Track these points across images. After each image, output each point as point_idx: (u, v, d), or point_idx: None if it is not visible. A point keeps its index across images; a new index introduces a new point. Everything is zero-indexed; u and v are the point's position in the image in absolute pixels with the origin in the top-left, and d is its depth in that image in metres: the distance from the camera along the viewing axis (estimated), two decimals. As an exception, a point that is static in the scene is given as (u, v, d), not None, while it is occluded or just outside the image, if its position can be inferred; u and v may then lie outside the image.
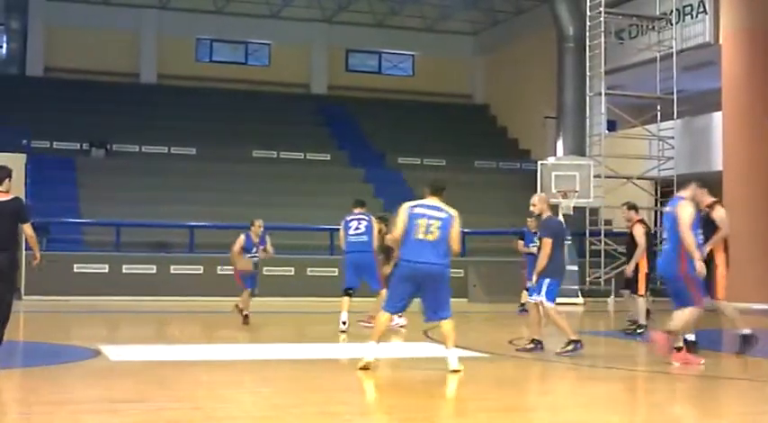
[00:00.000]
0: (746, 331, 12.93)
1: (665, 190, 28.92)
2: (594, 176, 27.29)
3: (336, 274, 26.09)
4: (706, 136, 28.71)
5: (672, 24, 29.37)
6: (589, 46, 29.30)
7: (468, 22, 42.07)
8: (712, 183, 26.83)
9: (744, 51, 26.50)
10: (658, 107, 29.42)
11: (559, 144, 32.02)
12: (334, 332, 15.79)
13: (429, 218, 10.71)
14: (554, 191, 26.36)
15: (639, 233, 16.11)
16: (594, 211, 28.77)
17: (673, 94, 28.72)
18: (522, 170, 34.85)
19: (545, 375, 12.06)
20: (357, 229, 16.13)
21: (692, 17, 29.42)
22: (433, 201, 10.93)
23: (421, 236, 10.63)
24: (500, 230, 27.13)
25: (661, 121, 29.35)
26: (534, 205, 13.13)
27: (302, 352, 13.56)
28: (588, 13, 29.24)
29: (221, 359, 12.63)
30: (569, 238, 26.57)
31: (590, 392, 10.35)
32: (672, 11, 29.29)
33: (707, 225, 12.65)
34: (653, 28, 30.17)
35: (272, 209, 28.64)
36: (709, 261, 12.31)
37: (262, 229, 17.87)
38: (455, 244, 10.78)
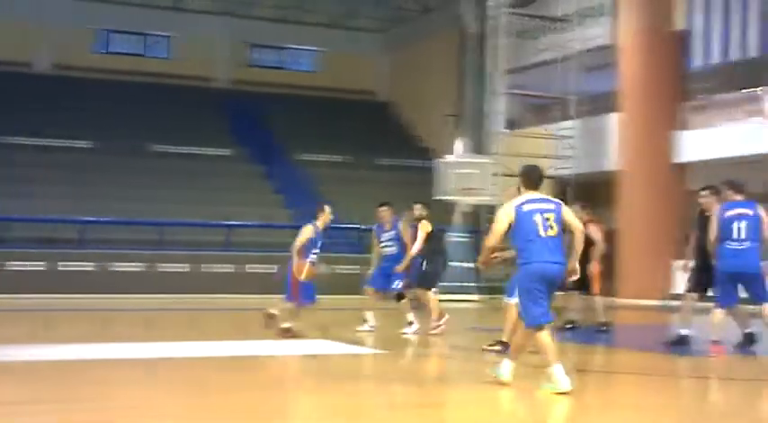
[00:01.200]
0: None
1: (562, 188, 29.16)
2: (493, 175, 27.39)
3: (233, 270, 25.98)
4: (604, 136, 29.04)
5: (572, 25, 29.65)
6: (491, 45, 29.43)
7: (374, 19, 42.04)
8: (609, 182, 27.37)
9: (641, 53, 26.85)
10: (558, 107, 29.67)
11: (459, 142, 32.11)
12: (234, 329, 15.56)
13: (543, 212, 9.59)
14: (453, 188, 26.43)
15: (596, 232, 16.06)
16: (493, 209, 28.82)
17: (572, 94, 28.99)
18: (425, 168, 34.83)
19: (444, 371, 12.00)
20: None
21: (592, 19, 29.75)
22: (536, 194, 9.78)
23: (542, 233, 9.47)
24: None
25: (560, 120, 29.62)
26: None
27: (204, 350, 13.20)
28: (491, 12, 29.38)
29: (115, 358, 12.18)
30: (469, 235, 26.78)
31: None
32: (573, 12, 29.57)
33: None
34: (554, 29, 30.43)
35: (170, 204, 28.34)
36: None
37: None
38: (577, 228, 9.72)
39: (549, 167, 29.43)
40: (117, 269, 24.71)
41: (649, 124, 26.57)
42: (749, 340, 13.31)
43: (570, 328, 15.91)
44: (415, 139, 39.84)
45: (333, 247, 24.62)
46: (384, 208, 15.76)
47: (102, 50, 39.70)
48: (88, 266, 25.14)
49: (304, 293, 14.06)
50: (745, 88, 25.48)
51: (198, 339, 14.54)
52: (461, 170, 26.92)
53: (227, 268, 25.46)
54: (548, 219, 9.46)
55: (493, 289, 27.41)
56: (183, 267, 25.65)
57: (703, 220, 13.10)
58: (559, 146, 29.51)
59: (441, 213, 27.85)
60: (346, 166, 35.69)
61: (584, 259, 14.96)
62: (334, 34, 42.22)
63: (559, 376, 9.10)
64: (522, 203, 9.59)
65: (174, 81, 38.74)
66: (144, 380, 10.32)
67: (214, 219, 27.50)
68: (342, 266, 26.16)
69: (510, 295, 12.16)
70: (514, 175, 29.39)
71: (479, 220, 28.42)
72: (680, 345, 13.26)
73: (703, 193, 13.41)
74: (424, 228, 15.54)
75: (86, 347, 12.96)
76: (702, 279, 13.20)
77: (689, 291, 13.52)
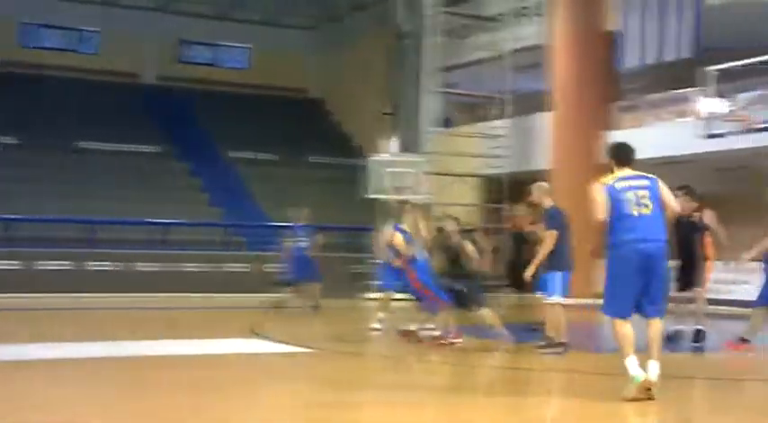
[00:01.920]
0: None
1: (494, 187, 29.30)
2: (427, 173, 27.37)
3: (164, 269, 25.64)
4: (536, 135, 29.13)
5: (505, 25, 29.75)
6: (425, 44, 29.42)
7: (306, 16, 41.85)
8: (541, 181, 27.44)
9: (573, 53, 26.97)
10: (491, 106, 29.75)
11: (393, 141, 32.02)
12: (165, 328, 15.36)
13: (637, 189, 9.13)
14: (386, 187, 26.36)
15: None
16: (426, 208, 28.86)
17: (505, 93, 29.09)
18: (356, 166, 34.70)
19: (369, 370, 11.90)
20: None
21: (525, 19, 29.86)
22: (629, 171, 9.34)
23: (635, 211, 9.00)
24: (334, 226, 26.95)
25: (493, 119, 29.69)
26: (531, 195, 12.79)
27: (132, 350, 12.96)
28: (425, 11, 29.36)
29: (38, 358, 11.91)
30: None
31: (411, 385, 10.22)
32: (506, 12, 29.67)
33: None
34: (488, 28, 30.50)
35: (98, 202, 27.93)
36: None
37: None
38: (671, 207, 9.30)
39: (482, 166, 29.56)
40: (44, 267, 24.19)
41: (581, 124, 26.70)
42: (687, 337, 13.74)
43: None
44: (347, 137, 39.72)
45: (264, 246, 24.48)
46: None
47: (30, 45, 38.90)
48: (15, 265, 24.61)
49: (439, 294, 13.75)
50: (675, 89, 25.73)
51: (128, 339, 14.29)
52: (395, 169, 26.82)
53: (159, 267, 25.11)
54: (642, 196, 9.02)
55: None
56: (114, 266, 25.24)
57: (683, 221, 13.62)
58: (492, 145, 29.56)
59: (373, 212, 27.83)
60: (277, 164, 35.47)
61: (520, 260, 15.10)
62: (266, 31, 41.92)
63: (632, 369, 8.80)
64: (616, 181, 9.19)
65: (102, 77, 38.04)
66: (74, 380, 10.10)
67: (141, 216, 27.12)
68: (274, 265, 26.04)
69: (550, 293, 12.38)
70: (448, 174, 29.61)
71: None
72: (674, 341, 13.64)
73: (678, 192, 13.70)
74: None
75: (15, 349, 12.69)
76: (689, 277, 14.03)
77: (680, 289, 14.10)
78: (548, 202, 12.57)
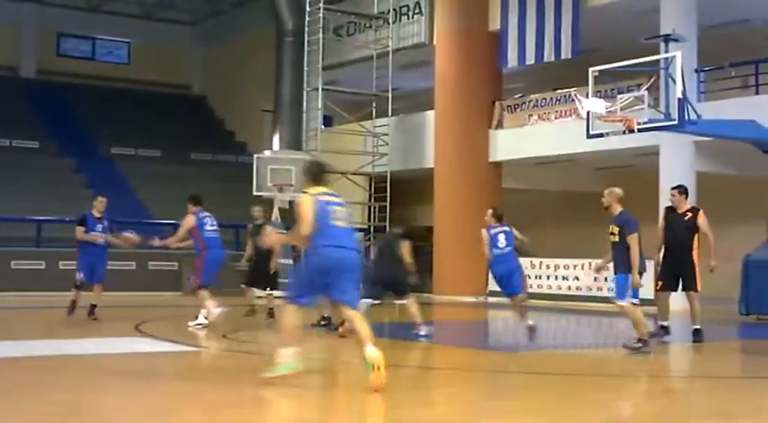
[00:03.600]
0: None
1: (378, 185, 29.43)
2: (310, 171, 27.30)
3: (44, 266, 25.05)
4: (419, 133, 29.38)
5: (389, 23, 29.92)
6: (308, 41, 29.41)
7: (187, 11, 41.43)
8: (424, 180, 27.73)
9: (456, 52, 27.30)
10: (374, 104, 29.86)
11: (276, 138, 31.95)
12: (45, 328, 15.01)
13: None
14: (269, 185, 26.27)
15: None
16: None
17: (388, 91, 29.24)
18: (238, 163, 34.55)
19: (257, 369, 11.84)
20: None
21: (408, 17, 30.09)
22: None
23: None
24: (220, 223, 26.60)
25: (376, 117, 29.82)
26: (603, 198, 12.87)
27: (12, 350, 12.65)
28: (308, 8, 29.35)
29: None
30: (287, 231, 26.62)
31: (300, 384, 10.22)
32: (389, 10, 29.83)
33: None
34: (371, 26, 30.66)
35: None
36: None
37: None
38: None
39: (367, 164, 29.68)
40: None
41: (464, 123, 27.03)
42: None
43: (325, 325, 15.83)
44: (230, 134, 39.47)
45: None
46: None
47: None
48: None
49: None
50: (558, 89, 26.21)
51: (6, 338, 13.95)
52: (278, 166, 26.73)
53: (38, 265, 24.51)
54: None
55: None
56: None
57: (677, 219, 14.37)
58: (376, 143, 29.70)
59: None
60: (159, 160, 35.04)
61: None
62: (147, 26, 41.46)
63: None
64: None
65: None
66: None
67: (22, 213, 26.49)
68: (158, 263, 25.78)
69: (621, 297, 12.48)
70: (332, 172, 29.68)
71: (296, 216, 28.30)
72: (656, 337, 13.92)
73: (673, 191, 14.64)
74: None
75: None
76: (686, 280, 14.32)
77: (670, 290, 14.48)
78: (618, 208, 12.74)
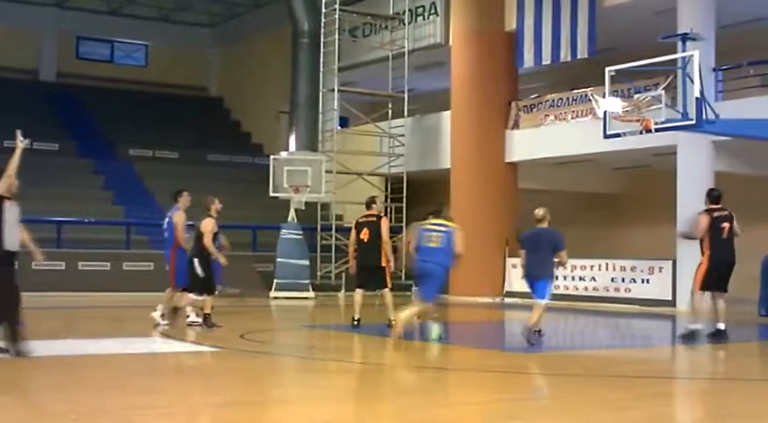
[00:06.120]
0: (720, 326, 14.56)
1: (395, 186, 29.42)
2: (326, 172, 27.38)
3: (64, 267, 25.14)
4: (435, 134, 29.38)
5: (404, 24, 29.90)
6: (324, 42, 29.42)
7: (204, 13, 41.51)
8: (440, 180, 27.71)
9: (472, 52, 27.25)
10: (390, 105, 29.86)
11: (292, 139, 31.99)
12: (65, 328, 15.06)
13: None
14: (286, 186, 26.31)
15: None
16: (326, 207, 28.92)
17: (404, 92, 29.22)
18: (255, 164, 34.62)
19: (276, 369, 11.89)
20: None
21: (424, 18, 30.07)
22: None
23: None
24: (237, 225, 26.76)
25: (392, 118, 29.81)
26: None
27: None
28: (323, 9, 29.36)
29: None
30: (303, 232, 26.70)
31: (321, 384, 10.25)
32: (405, 11, 29.81)
33: None
34: (386, 27, 30.64)
35: None
36: None
37: None
38: None
39: (383, 165, 29.69)
40: None
41: (480, 123, 26.99)
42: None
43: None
44: (247, 135, 39.53)
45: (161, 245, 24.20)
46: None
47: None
48: None
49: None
50: (574, 89, 26.16)
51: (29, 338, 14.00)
52: (294, 167, 26.77)
53: (58, 266, 24.62)
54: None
55: (325, 286, 27.51)
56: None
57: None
58: (392, 144, 29.70)
59: (277, 210, 27.77)
60: (176, 161, 35.11)
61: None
62: (165, 28, 41.58)
63: None
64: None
65: (1, 74, 37.39)
66: None
67: (42, 214, 26.59)
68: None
69: None
70: (347, 173, 29.74)
71: (316, 217, 28.38)
72: (691, 339, 14.40)
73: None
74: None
75: None
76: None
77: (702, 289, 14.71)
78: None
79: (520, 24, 26.11)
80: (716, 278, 14.54)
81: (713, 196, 15.06)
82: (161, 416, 8.12)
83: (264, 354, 12.85)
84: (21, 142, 11.35)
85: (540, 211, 13.83)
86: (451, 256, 13.53)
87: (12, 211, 11.26)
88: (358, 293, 15.92)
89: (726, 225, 14.67)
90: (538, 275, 13.61)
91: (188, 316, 15.76)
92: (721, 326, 14.43)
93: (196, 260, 15.32)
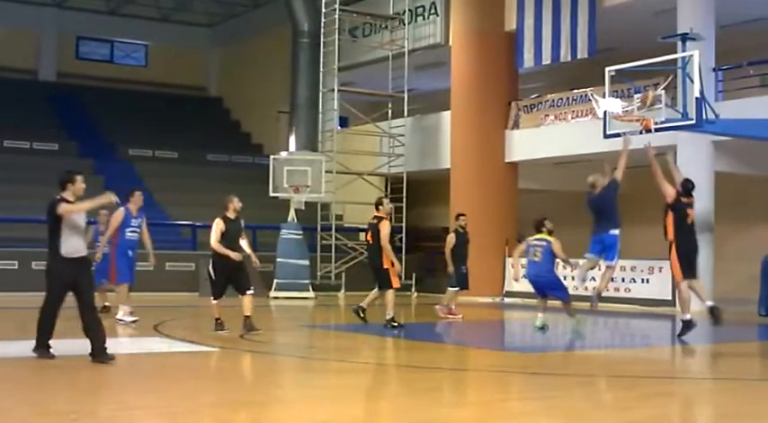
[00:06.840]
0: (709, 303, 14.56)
1: (394, 186, 29.41)
2: (326, 172, 27.37)
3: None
4: (435, 134, 29.38)
5: (404, 24, 29.90)
6: (323, 42, 29.41)
7: (204, 13, 41.52)
8: (440, 180, 27.71)
9: (472, 52, 27.25)
10: (390, 105, 29.86)
11: (292, 139, 31.99)
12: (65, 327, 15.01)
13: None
14: (286, 186, 26.31)
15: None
16: (326, 207, 28.91)
17: (404, 92, 29.20)
18: (255, 164, 34.62)
19: (276, 369, 11.89)
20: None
21: (424, 18, 30.08)
22: None
23: None
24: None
25: (392, 118, 29.81)
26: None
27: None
28: (323, 9, 29.36)
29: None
30: (302, 232, 26.69)
31: (321, 384, 10.24)
32: (405, 11, 29.81)
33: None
34: (386, 27, 30.65)
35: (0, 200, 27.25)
36: None
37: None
38: None
39: (383, 165, 29.69)
40: None
41: (480, 123, 26.99)
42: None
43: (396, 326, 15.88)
44: (247, 135, 39.53)
45: (165, 244, 24.23)
46: None
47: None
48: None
49: None
50: (575, 89, 26.15)
51: (25, 338, 14.00)
52: (294, 167, 26.75)
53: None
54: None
55: (325, 286, 27.50)
56: (11, 264, 24.67)
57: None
58: (392, 144, 29.69)
59: (277, 210, 27.74)
60: (176, 161, 35.10)
61: None
62: (165, 28, 41.59)
63: None
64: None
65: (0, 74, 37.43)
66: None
67: (41, 214, 26.48)
68: (175, 263, 25.85)
69: None
70: (347, 172, 29.75)
71: (316, 217, 28.36)
72: (687, 329, 14.58)
73: None
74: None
75: None
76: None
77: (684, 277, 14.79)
78: None
79: (520, 24, 26.12)
80: (686, 265, 14.54)
81: (687, 188, 15.12)
82: (161, 416, 8.12)
83: (264, 354, 12.85)
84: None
85: (590, 178, 16.35)
86: (552, 266, 15.81)
87: None
88: (374, 291, 16.38)
89: (690, 211, 14.88)
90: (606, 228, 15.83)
91: (117, 313, 16.28)
92: (709, 303, 14.41)
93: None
